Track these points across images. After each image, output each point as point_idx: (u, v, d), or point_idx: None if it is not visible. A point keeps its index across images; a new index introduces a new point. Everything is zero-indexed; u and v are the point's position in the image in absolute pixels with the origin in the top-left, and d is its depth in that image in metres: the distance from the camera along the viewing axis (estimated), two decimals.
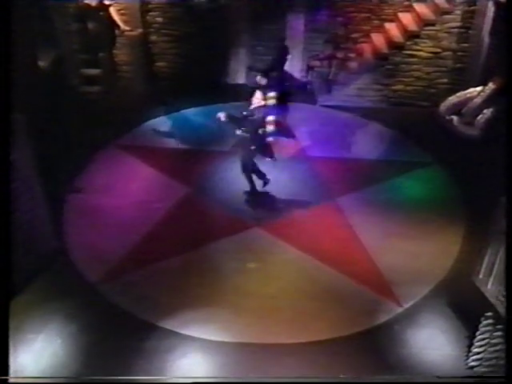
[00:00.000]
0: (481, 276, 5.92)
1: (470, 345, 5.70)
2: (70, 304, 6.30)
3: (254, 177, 7.95)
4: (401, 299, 6.47)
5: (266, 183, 8.02)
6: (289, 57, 9.83)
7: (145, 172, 8.59)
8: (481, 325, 5.51)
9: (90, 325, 6.08)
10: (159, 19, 10.68)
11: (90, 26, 9.85)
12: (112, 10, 9.89)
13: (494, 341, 5.39)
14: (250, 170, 7.87)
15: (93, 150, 8.92)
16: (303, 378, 5.52)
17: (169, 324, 6.11)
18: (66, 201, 7.86)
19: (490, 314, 5.44)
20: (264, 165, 7.93)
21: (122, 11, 10.19)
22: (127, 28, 10.15)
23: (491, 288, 5.67)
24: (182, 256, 7.04)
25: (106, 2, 9.85)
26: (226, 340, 5.95)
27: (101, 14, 9.76)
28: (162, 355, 5.77)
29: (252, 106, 8.18)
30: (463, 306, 6.21)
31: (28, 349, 5.75)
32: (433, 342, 5.99)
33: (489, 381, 5.47)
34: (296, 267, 6.94)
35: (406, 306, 6.41)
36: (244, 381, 5.55)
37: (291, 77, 9.79)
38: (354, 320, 6.23)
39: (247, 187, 7.99)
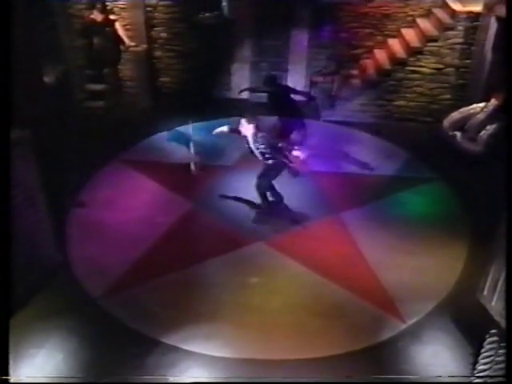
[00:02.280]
0: (485, 293, 5.87)
1: (475, 362, 5.64)
2: (71, 319, 6.26)
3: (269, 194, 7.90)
4: (405, 315, 6.42)
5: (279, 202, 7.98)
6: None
7: (148, 186, 8.60)
8: (485, 342, 5.46)
9: (91, 340, 6.03)
10: (164, 35, 10.79)
11: (96, 41, 9.95)
12: (117, 25, 9.99)
13: (498, 358, 5.33)
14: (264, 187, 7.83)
15: (96, 164, 8.95)
16: (303, 378, 5.51)
17: (171, 339, 6.07)
18: (68, 215, 7.86)
19: (494, 331, 5.39)
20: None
21: (127, 26, 10.29)
22: (132, 43, 10.25)
23: (496, 305, 5.63)
24: (184, 271, 7.01)
25: (112, 17, 9.95)
26: (228, 356, 5.90)
27: (106, 29, 9.86)
28: (164, 371, 5.71)
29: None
30: (468, 322, 6.16)
31: (29, 364, 5.71)
32: (437, 358, 5.94)
33: (489, 381, 5.41)
34: (299, 282, 6.91)
35: (410, 322, 6.36)
36: (244, 381, 5.54)
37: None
38: (358, 336, 6.18)
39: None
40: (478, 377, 5.53)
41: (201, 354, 5.90)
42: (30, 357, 5.78)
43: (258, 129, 7.45)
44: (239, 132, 7.61)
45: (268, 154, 7.48)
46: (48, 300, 6.52)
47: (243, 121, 7.48)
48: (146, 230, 7.66)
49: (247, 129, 7.46)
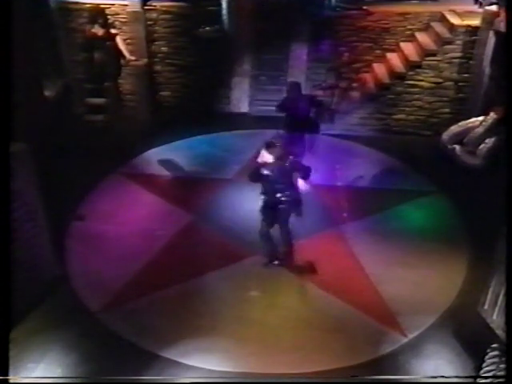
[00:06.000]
0: (486, 307, 5.87)
1: (476, 376, 5.61)
2: (70, 333, 6.23)
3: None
4: (405, 329, 6.39)
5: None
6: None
7: (148, 200, 8.60)
8: (487, 356, 5.43)
9: (90, 354, 6.00)
10: (164, 49, 10.82)
11: (96, 55, 9.99)
12: (118, 39, 10.04)
13: (500, 373, 5.30)
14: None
15: (96, 177, 8.96)
16: (303, 378, 5.47)
17: (170, 353, 6.04)
18: (68, 228, 7.85)
19: (496, 345, 5.37)
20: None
21: (128, 40, 10.35)
22: (133, 57, 10.29)
23: (497, 319, 5.62)
24: (184, 284, 6.99)
25: (113, 31, 10.01)
26: (228, 369, 5.86)
27: (107, 43, 9.89)
28: None
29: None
30: (469, 336, 6.13)
31: (28, 378, 5.66)
32: (438, 372, 5.89)
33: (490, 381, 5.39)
34: (299, 296, 6.90)
35: (411, 336, 6.33)
36: (244, 381, 5.51)
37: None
38: (358, 350, 6.15)
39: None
40: None
41: (200, 367, 5.86)
42: (29, 371, 5.74)
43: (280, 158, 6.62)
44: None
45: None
46: (47, 314, 6.49)
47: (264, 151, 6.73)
48: (145, 243, 7.64)
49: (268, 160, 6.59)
